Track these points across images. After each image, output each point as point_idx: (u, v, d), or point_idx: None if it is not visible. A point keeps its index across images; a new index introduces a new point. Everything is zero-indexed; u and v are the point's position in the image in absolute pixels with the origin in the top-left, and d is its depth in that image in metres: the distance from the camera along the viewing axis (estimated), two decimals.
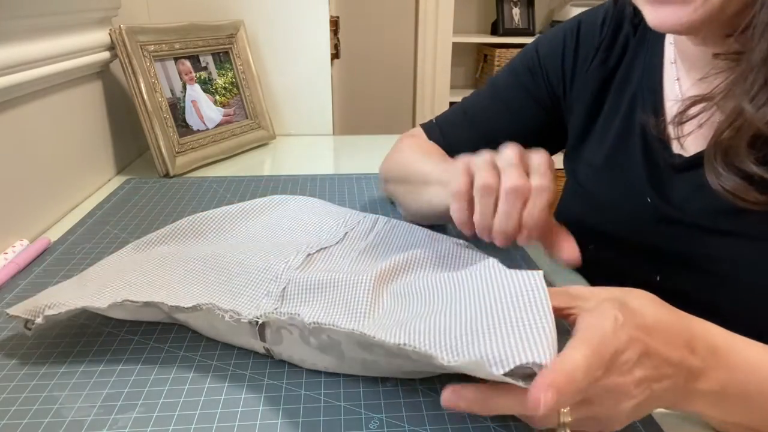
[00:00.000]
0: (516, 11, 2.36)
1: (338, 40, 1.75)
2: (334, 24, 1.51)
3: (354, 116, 2.42)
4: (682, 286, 0.53)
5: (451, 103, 2.61)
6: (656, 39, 0.57)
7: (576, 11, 2.26)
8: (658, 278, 0.56)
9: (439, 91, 2.38)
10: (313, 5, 1.14)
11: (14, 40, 0.66)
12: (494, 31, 2.40)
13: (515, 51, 2.30)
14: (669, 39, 0.56)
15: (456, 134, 0.72)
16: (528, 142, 0.70)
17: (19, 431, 0.39)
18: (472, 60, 2.57)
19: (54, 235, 0.69)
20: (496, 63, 2.30)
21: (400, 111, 2.50)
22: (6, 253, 0.62)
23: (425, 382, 0.44)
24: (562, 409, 0.32)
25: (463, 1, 2.38)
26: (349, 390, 0.43)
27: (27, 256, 0.62)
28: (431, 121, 0.76)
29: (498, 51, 2.28)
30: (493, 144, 0.70)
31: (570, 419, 0.32)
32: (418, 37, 2.35)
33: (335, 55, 1.54)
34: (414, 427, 0.40)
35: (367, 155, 1.08)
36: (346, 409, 0.41)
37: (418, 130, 0.76)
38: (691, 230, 0.52)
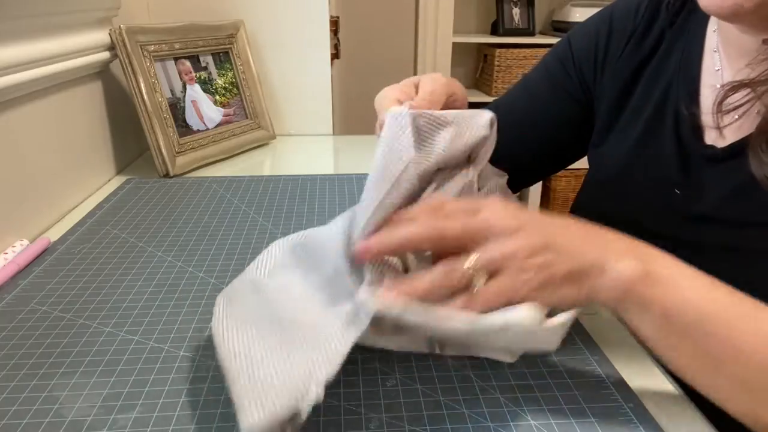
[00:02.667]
0: (516, 11, 2.36)
1: (338, 40, 1.75)
2: (334, 24, 1.51)
3: (354, 116, 2.41)
4: None
5: None
6: (698, 27, 0.57)
7: (576, 11, 2.26)
8: None
9: None
10: (313, 5, 1.13)
11: (14, 40, 0.66)
12: (494, 31, 2.40)
13: (515, 51, 2.29)
14: (712, 27, 0.55)
15: None
16: (558, 136, 0.70)
17: (19, 431, 0.39)
18: (472, 60, 2.57)
19: (54, 235, 0.69)
20: (496, 63, 2.30)
21: None
22: (6, 253, 0.62)
23: (425, 382, 0.44)
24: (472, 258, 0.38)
25: (463, 1, 2.38)
26: (349, 390, 0.43)
27: (27, 256, 0.62)
28: None
29: (498, 51, 2.28)
30: (523, 139, 0.70)
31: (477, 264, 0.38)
32: (418, 37, 2.34)
33: (335, 55, 1.54)
34: (414, 427, 0.40)
35: (367, 155, 1.08)
36: (346, 409, 0.41)
37: None
38: (718, 222, 0.51)
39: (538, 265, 0.38)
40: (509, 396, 0.43)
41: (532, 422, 0.40)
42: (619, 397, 0.43)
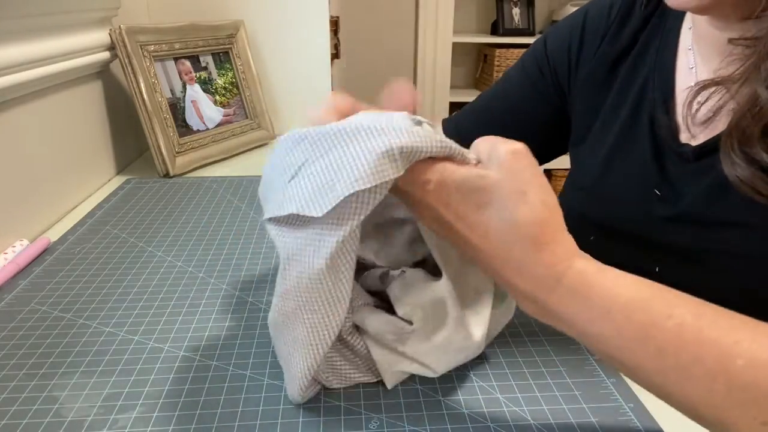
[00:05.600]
0: (516, 11, 2.36)
1: (338, 40, 1.75)
2: (334, 24, 1.52)
3: None
4: (681, 278, 0.53)
5: (451, 104, 2.57)
6: (673, 26, 0.56)
7: None
8: (657, 269, 0.55)
9: (439, 91, 2.38)
10: (313, 5, 1.13)
11: (14, 40, 0.66)
12: (494, 31, 2.40)
13: (515, 51, 2.29)
14: (687, 24, 0.55)
15: (467, 129, 0.73)
16: (535, 137, 0.70)
17: (19, 431, 0.39)
18: (472, 60, 2.57)
19: (54, 235, 0.69)
20: (496, 63, 2.30)
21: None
22: (6, 253, 0.62)
23: (425, 382, 0.44)
24: None
25: (463, 1, 2.38)
26: (349, 390, 0.43)
27: (27, 256, 0.62)
28: (453, 114, 0.77)
29: (498, 51, 2.28)
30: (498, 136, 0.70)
31: None
32: (418, 37, 2.34)
33: (335, 55, 1.54)
34: (414, 427, 0.40)
35: None
36: (346, 409, 0.41)
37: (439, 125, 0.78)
38: (695, 223, 0.51)
39: None
40: (509, 396, 0.43)
41: (532, 422, 0.40)
42: (619, 397, 0.43)
